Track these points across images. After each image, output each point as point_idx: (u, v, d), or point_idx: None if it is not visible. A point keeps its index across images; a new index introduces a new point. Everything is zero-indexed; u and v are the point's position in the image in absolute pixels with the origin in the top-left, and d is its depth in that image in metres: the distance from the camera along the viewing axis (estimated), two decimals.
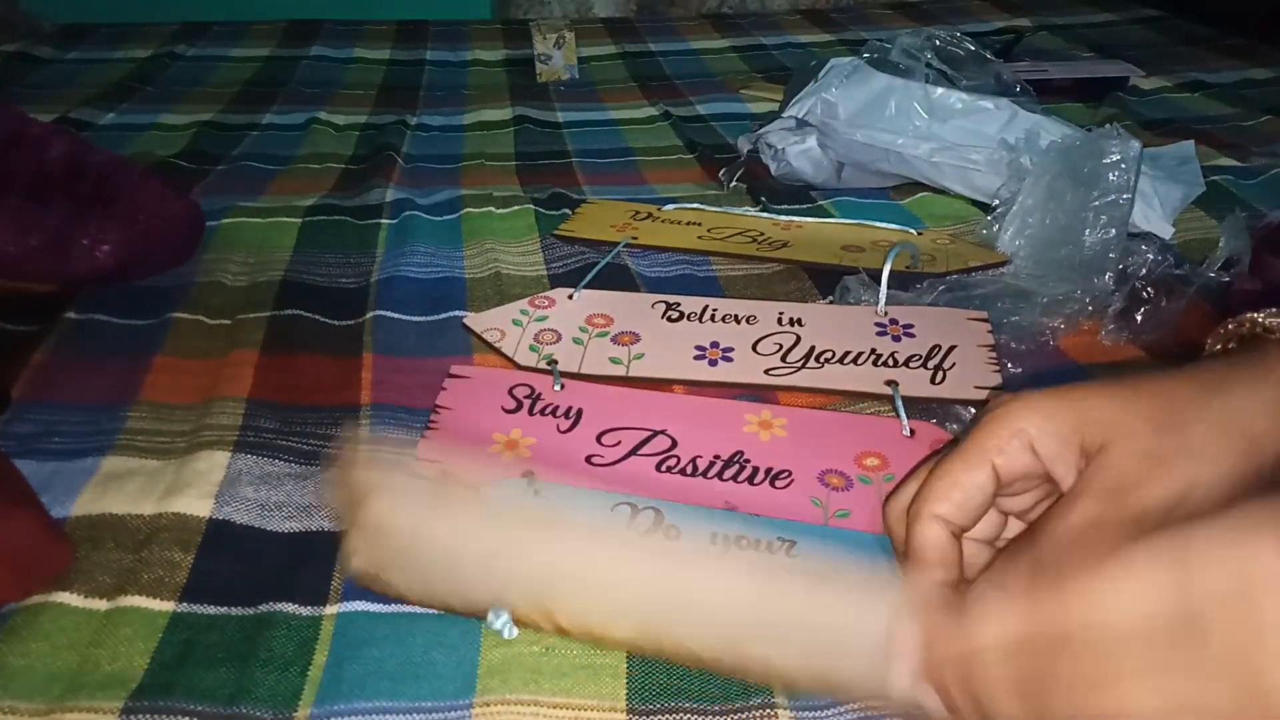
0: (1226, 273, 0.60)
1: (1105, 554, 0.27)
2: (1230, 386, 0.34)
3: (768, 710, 0.35)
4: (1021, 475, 0.34)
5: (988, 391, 0.51)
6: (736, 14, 1.54)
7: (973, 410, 0.51)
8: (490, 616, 0.37)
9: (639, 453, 0.48)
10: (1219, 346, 0.41)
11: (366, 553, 0.38)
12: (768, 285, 0.65)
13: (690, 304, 0.60)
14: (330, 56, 1.25)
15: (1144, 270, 0.58)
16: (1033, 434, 0.33)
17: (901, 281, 0.61)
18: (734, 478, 0.46)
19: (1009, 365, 0.54)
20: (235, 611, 0.39)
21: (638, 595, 0.34)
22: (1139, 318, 0.57)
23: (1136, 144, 0.62)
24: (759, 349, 0.56)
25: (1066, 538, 0.30)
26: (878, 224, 0.71)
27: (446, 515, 0.36)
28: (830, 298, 0.62)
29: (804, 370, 0.54)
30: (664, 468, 0.47)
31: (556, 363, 0.54)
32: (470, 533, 0.36)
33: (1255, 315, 0.39)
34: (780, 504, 0.45)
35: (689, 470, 0.47)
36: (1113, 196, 0.61)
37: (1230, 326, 0.40)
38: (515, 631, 0.37)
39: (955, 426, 0.50)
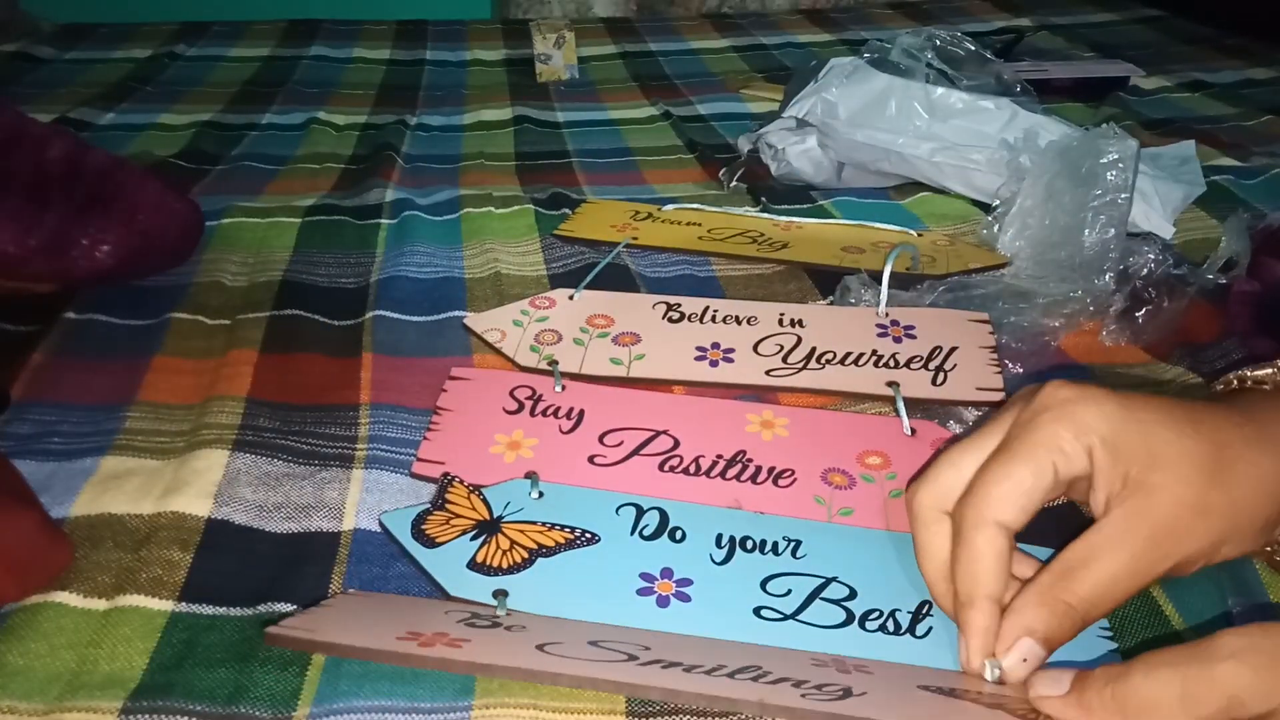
0: (1226, 274, 0.60)
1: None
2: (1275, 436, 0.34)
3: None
4: (1074, 479, 0.33)
5: (991, 392, 0.51)
6: (736, 14, 1.54)
7: (974, 411, 0.51)
8: None
9: (641, 453, 0.48)
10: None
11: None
12: (768, 285, 0.65)
13: (691, 305, 0.60)
14: (330, 56, 1.25)
15: (1145, 270, 0.58)
16: (1094, 441, 0.32)
17: (902, 282, 0.61)
18: (737, 477, 0.46)
19: (1010, 365, 0.54)
20: (234, 611, 0.39)
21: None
22: (1140, 318, 0.57)
23: (1134, 143, 0.62)
24: (760, 350, 0.56)
25: (1105, 588, 0.32)
26: (878, 225, 0.71)
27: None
28: (830, 298, 0.62)
29: (805, 371, 0.54)
30: (667, 467, 0.47)
31: (557, 363, 0.54)
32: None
33: (1246, 371, 0.39)
34: (783, 502, 0.45)
35: (692, 469, 0.47)
36: (1111, 196, 0.61)
37: (1220, 388, 0.40)
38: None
39: (957, 426, 0.50)
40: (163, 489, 0.45)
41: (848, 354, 0.55)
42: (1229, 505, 0.32)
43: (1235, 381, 0.40)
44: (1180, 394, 0.52)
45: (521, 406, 0.51)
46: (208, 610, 0.39)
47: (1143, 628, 0.39)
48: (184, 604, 0.39)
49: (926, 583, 0.37)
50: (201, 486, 0.44)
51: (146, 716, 0.34)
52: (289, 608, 0.39)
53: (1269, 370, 0.38)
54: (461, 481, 0.45)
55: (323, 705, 0.35)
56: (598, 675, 0.31)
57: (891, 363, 0.54)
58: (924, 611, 0.39)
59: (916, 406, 0.51)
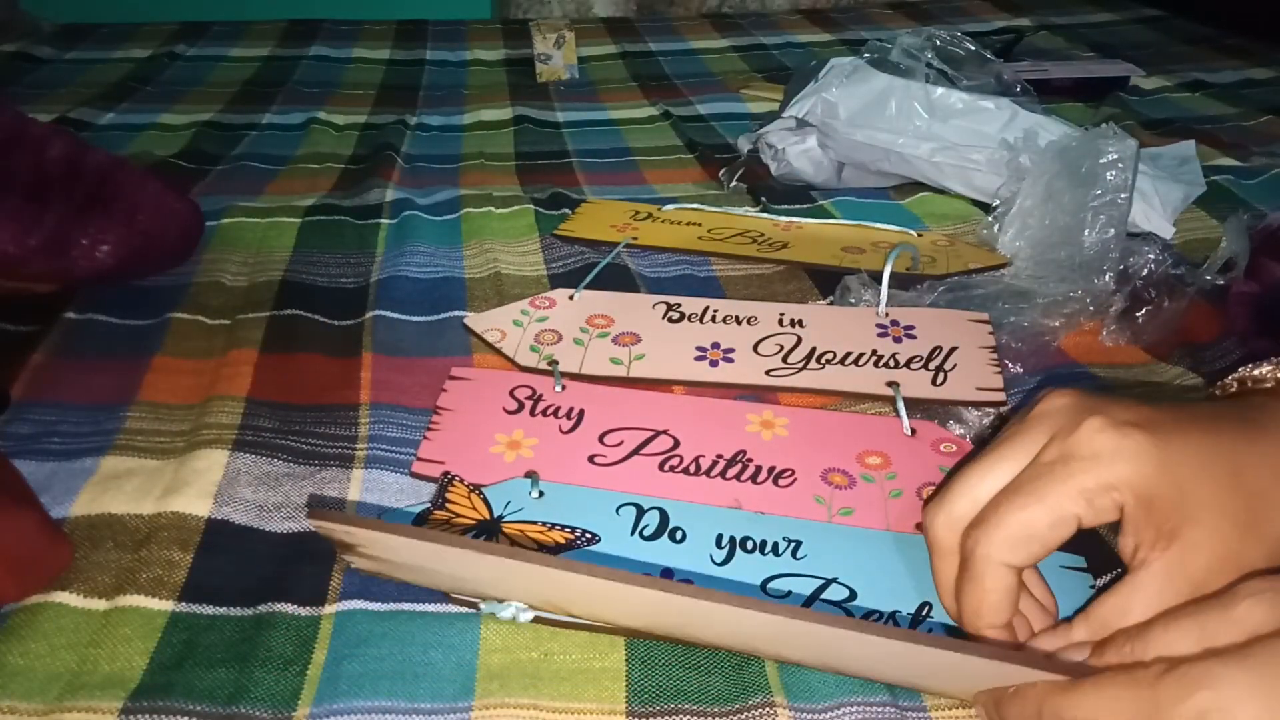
0: (1225, 275, 0.60)
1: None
2: None
3: (767, 710, 0.35)
4: (1099, 520, 0.32)
5: (991, 392, 0.51)
6: (736, 14, 1.54)
7: (975, 411, 0.51)
8: (499, 609, 0.37)
9: (641, 452, 0.48)
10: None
11: (370, 563, 0.38)
12: (768, 285, 0.65)
13: (691, 305, 0.60)
14: (330, 56, 1.25)
15: (1145, 271, 0.58)
16: (1128, 497, 0.31)
17: (902, 282, 0.61)
18: (737, 476, 0.46)
19: (1010, 365, 0.54)
20: (234, 611, 0.39)
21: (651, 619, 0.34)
22: (1140, 318, 0.57)
23: (1133, 143, 0.62)
24: (760, 350, 0.56)
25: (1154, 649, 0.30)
26: (878, 225, 0.71)
27: (437, 560, 0.35)
28: (830, 298, 0.62)
29: (805, 371, 0.54)
30: (667, 467, 0.47)
31: (558, 363, 0.54)
32: (465, 570, 0.35)
33: (1245, 371, 0.39)
34: (783, 501, 0.45)
35: (692, 469, 0.47)
36: (1111, 196, 0.61)
37: (1218, 393, 0.40)
38: (529, 615, 0.37)
39: (958, 426, 0.50)
40: (163, 489, 0.45)
41: (848, 354, 0.55)
42: (1264, 556, 0.32)
43: (1235, 385, 0.39)
44: (1181, 394, 0.52)
45: (521, 406, 0.51)
46: (208, 610, 0.39)
47: None
48: (184, 604, 0.39)
49: (944, 606, 0.36)
50: (201, 486, 0.44)
51: (146, 716, 0.34)
52: (289, 608, 0.39)
53: (1268, 368, 0.38)
54: (461, 481, 0.45)
55: (323, 706, 0.35)
56: (631, 576, 0.31)
57: (892, 363, 0.54)
58: (924, 614, 0.39)
59: (916, 406, 0.51)
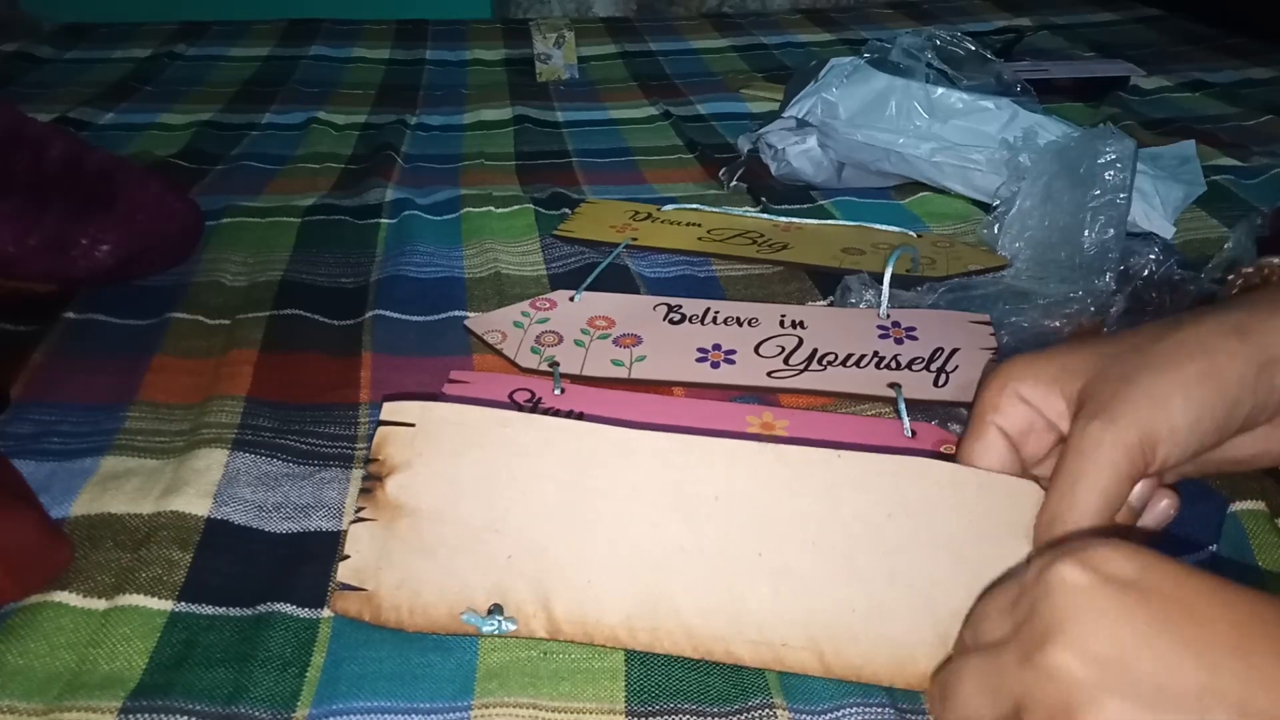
0: (1228, 272, 0.59)
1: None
2: (1198, 318, 0.34)
3: (766, 710, 0.35)
4: (1025, 428, 0.34)
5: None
6: (736, 13, 1.54)
7: None
8: (481, 623, 0.37)
9: None
10: (1234, 291, 0.40)
11: (368, 544, 0.38)
12: (768, 285, 0.65)
13: (692, 306, 0.60)
14: (330, 56, 1.25)
15: (1145, 271, 0.58)
16: (1018, 385, 0.34)
17: (902, 283, 0.61)
18: None
19: None
20: (234, 612, 0.39)
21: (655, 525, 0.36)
22: (1141, 319, 0.56)
23: (1132, 142, 0.62)
24: (761, 351, 0.56)
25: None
26: (878, 226, 0.71)
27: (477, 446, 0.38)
28: (830, 298, 0.62)
29: (807, 373, 0.54)
30: None
31: (558, 365, 0.54)
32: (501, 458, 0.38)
33: (1275, 260, 0.38)
34: None
35: None
36: (1110, 196, 0.60)
37: (1249, 270, 0.39)
38: (512, 625, 0.37)
39: (958, 427, 0.50)
40: (162, 489, 0.45)
41: (849, 355, 0.55)
42: (1152, 373, 0.32)
43: (1266, 270, 0.37)
44: None
45: (520, 410, 0.51)
46: (207, 610, 0.39)
47: None
48: (183, 604, 0.39)
49: None
50: (201, 486, 0.44)
51: (146, 716, 0.34)
52: (289, 608, 0.39)
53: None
54: None
55: (322, 706, 0.35)
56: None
57: (893, 364, 0.54)
58: None
59: (917, 408, 0.51)
